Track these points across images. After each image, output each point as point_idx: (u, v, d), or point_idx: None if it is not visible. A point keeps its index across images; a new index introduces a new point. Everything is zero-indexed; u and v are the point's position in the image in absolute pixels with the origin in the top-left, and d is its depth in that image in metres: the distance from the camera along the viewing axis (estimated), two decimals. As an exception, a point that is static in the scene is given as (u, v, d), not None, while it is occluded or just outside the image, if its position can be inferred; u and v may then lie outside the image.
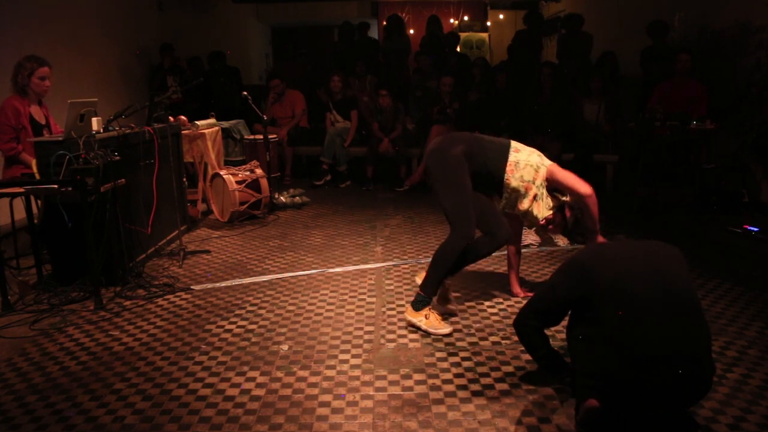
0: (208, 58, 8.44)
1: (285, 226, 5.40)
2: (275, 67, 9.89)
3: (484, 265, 4.19)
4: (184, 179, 5.27)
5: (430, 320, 3.11)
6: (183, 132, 5.26)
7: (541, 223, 3.25)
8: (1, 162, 4.31)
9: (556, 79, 6.92)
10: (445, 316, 3.30)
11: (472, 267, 4.15)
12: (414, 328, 3.16)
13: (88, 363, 2.88)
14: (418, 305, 3.15)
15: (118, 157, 3.66)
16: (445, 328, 3.09)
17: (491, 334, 3.11)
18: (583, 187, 3.14)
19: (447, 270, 3.15)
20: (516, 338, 2.97)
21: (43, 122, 4.30)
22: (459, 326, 3.21)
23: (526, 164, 3.18)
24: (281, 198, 6.12)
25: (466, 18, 11.30)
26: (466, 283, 3.81)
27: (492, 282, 3.87)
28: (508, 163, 3.19)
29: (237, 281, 3.98)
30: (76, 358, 2.94)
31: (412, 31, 10.65)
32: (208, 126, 5.76)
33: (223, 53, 8.49)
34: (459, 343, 3.01)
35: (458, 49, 9.55)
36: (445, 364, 2.80)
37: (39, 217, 3.89)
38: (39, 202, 3.95)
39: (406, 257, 4.38)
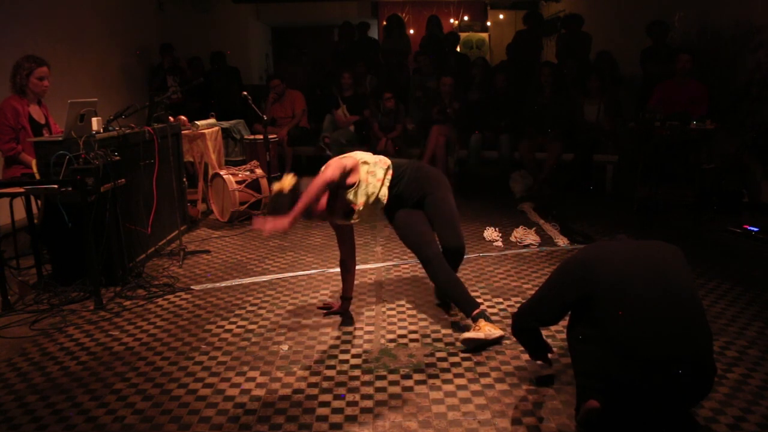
0: (210, 58, 8.44)
1: (285, 226, 5.40)
2: (277, 70, 9.88)
3: (483, 265, 4.20)
4: (184, 179, 5.27)
5: (480, 329, 2.94)
6: (183, 132, 5.26)
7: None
8: (1, 162, 4.31)
9: (556, 79, 6.92)
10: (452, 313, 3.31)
11: (471, 267, 4.16)
12: (478, 344, 2.94)
13: (88, 363, 2.88)
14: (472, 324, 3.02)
15: (118, 157, 3.66)
16: (497, 332, 2.94)
17: (491, 334, 3.11)
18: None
19: (455, 286, 3.09)
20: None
21: (43, 122, 4.30)
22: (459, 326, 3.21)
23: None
24: (281, 198, 6.11)
25: (466, 18, 11.28)
26: (467, 284, 3.80)
27: (492, 282, 3.87)
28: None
29: (237, 281, 3.98)
30: (76, 358, 2.94)
31: (412, 31, 10.63)
32: (208, 126, 5.77)
33: (224, 53, 8.48)
34: (459, 343, 3.01)
35: (458, 49, 9.54)
36: (445, 364, 2.79)
37: (39, 217, 3.89)
38: (39, 202, 3.95)
39: (406, 257, 4.38)
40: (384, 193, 3.07)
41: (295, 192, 2.88)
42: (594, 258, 2.26)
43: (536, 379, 2.64)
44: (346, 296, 3.38)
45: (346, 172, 2.98)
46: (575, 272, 2.27)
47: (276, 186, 2.95)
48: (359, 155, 3.09)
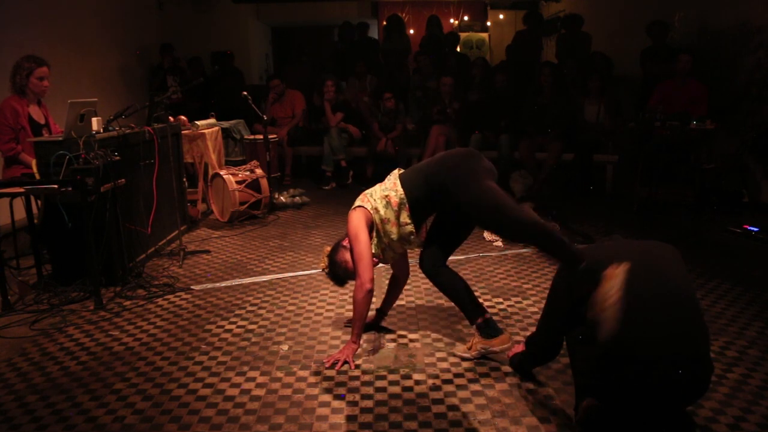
0: (215, 58, 8.43)
1: (285, 226, 5.40)
2: (280, 71, 9.90)
3: (483, 265, 4.20)
4: (184, 179, 5.28)
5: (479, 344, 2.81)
6: (183, 132, 5.26)
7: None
8: (1, 162, 4.31)
9: (556, 79, 6.92)
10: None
11: (471, 267, 4.16)
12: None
13: (88, 363, 2.88)
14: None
15: (118, 157, 3.67)
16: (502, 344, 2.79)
17: (491, 334, 3.11)
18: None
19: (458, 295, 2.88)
20: (515, 338, 2.98)
21: (43, 122, 4.29)
22: (459, 326, 3.21)
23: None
24: (281, 198, 6.12)
25: (466, 18, 11.29)
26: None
27: (492, 282, 3.87)
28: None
29: (237, 281, 3.98)
30: (76, 358, 2.94)
31: (412, 31, 10.64)
32: (208, 126, 5.77)
33: (231, 54, 8.48)
34: (459, 343, 3.01)
35: (458, 49, 9.54)
36: (445, 364, 2.79)
37: (39, 217, 3.89)
38: (39, 202, 3.95)
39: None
40: (408, 230, 2.79)
41: (334, 264, 2.88)
42: (591, 260, 2.26)
43: (518, 370, 2.69)
44: (381, 309, 3.23)
45: (370, 226, 2.81)
46: (575, 276, 2.26)
47: (320, 265, 2.97)
48: (371, 202, 2.82)
